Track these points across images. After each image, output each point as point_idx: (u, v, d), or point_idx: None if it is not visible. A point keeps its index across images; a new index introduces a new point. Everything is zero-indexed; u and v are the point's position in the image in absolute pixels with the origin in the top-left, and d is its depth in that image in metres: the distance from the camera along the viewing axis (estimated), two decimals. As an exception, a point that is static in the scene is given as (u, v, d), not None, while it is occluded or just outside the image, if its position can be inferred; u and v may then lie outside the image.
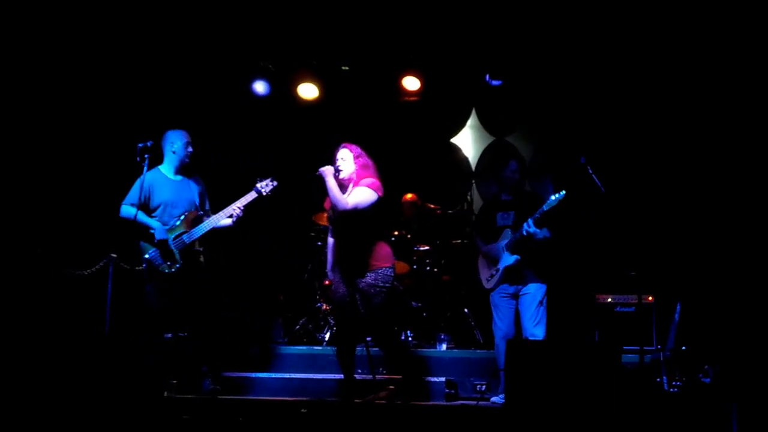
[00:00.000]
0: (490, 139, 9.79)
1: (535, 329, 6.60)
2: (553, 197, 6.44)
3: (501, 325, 6.78)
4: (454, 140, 9.83)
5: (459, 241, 8.81)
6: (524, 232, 6.55)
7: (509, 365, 5.39)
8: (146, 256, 6.42)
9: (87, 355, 5.31)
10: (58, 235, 7.75)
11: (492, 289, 6.84)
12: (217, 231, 6.56)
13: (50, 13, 7.65)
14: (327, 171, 6.08)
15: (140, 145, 6.21)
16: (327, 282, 6.41)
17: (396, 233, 8.49)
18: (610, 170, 6.91)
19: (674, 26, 7.78)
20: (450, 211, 8.94)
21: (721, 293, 7.38)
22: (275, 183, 6.51)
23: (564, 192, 6.41)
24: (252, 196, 6.46)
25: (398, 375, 6.46)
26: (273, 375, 7.17)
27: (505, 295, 6.78)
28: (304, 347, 7.85)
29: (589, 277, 8.07)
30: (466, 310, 8.43)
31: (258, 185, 6.47)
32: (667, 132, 8.29)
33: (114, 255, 6.75)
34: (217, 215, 6.49)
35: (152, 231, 6.43)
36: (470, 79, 9.00)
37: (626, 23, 7.88)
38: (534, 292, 6.68)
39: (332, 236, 6.37)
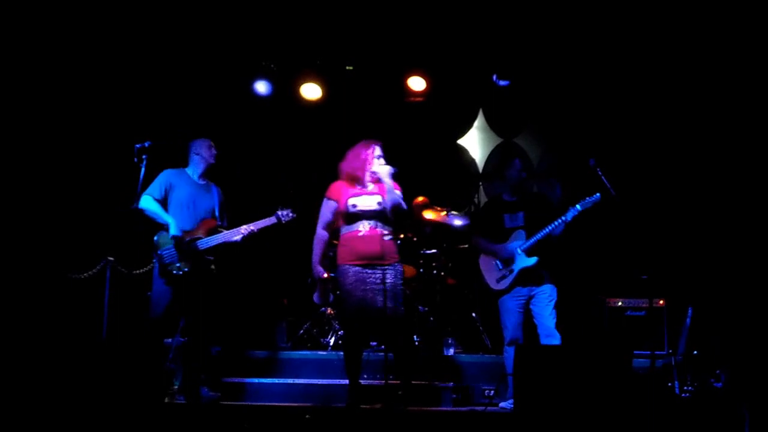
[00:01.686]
0: (497, 140, 9.71)
1: (553, 329, 6.49)
2: (589, 198, 6.43)
3: (510, 329, 6.65)
4: (460, 141, 9.76)
5: (466, 244, 8.71)
6: (546, 231, 6.47)
7: (518, 370, 5.31)
8: (159, 251, 6.40)
9: (85, 360, 5.23)
10: (54, 239, 7.68)
11: (503, 291, 6.70)
12: (228, 245, 6.58)
13: (51, 14, 7.58)
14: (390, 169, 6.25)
15: (137, 145, 6.17)
16: (326, 275, 6.35)
17: (402, 236, 8.39)
18: (621, 172, 6.81)
19: (686, 27, 7.69)
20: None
21: (733, 297, 7.30)
22: (294, 215, 6.60)
23: (599, 195, 6.38)
24: (271, 221, 6.58)
25: (402, 379, 6.32)
26: (277, 380, 7.13)
27: (517, 297, 6.65)
28: (309, 352, 7.78)
29: (599, 280, 7.99)
30: (473, 314, 8.35)
31: (279, 213, 6.57)
32: (678, 134, 8.21)
33: (111, 258, 6.69)
34: (232, 231, 6.55)
35: (167, 226, 6.42)
36: (477, 79, 8.93)
37: (636, 24, 7.80)
38: (550, 292, 6.58)
39: (362, 228, 6.18)
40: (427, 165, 9.45)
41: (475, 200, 9.04)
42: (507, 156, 7.41)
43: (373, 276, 6.06)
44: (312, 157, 9.35)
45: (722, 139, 7.90)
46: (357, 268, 6.10)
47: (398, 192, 6.23)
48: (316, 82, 8.77)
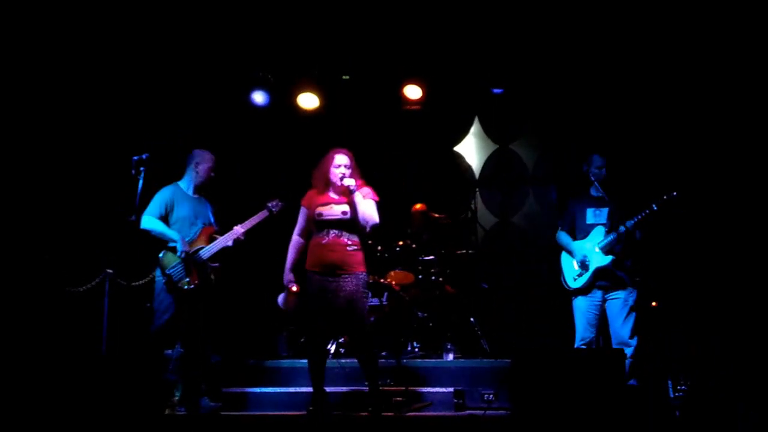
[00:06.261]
0: (493, 146, 9.76)
1: (628, 337, 6.36)
2: (664, 197, 6.27)
3: (581, 329, 6.51)
4: (457, 148, 9.81)
5: (464, 250, 8.75)
6: (622, 230, 6.34)
7: (515, 375, 5.33)
8: (168, 270, 6.47)
9: (85, 372, 5.27)
10: (52, 253, 7.71)
11: (577, 291, 6.57)
12: (229, 247, 6.71)
13: (48, 31, 7.63)
14: (354, 185, 6.13)
15: (135, 158, 6.16)
16: (295, 288, 6.42)
17: (401, 243, 8.44)
18: (614, 176, 6.84)
19: (679, 35, 7.71)
20: (455, 220, 8.88)
21: (726, 298, 7.29)
22: (282, 203, 6.87)
23: (675, 193, 6.26)
24: (264, 214, 6.81)
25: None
26: (277, 389, 7.12)
27: (591, 298, 6.50)
28: (309, 361, 7.78)
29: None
30: (472, 319, 8.37)
31: (269, 204, 6.85)
32: (669, 135, 8.22)
33: (110, 271, 6.73)
34: (229, 233, 6.68)
35: (173, 244, 6.50)
36: (472, 86, 8.97)
37: (630, 31, 7.82)
38: (626, 296, 6.45)
39: (326, 236, 6.22)
40: (425, 172, 9.51)
41: (472, 206, 9.07)
42: (585, 153, 6.88)
43: (334, 284, 6.11)
44: (310, 165, 9.41)
45: (713, 139, 7.90)
46: (319, 276, 6.16)
47: (366, 206, 6.17)
48: (313, 92, 8.80)
